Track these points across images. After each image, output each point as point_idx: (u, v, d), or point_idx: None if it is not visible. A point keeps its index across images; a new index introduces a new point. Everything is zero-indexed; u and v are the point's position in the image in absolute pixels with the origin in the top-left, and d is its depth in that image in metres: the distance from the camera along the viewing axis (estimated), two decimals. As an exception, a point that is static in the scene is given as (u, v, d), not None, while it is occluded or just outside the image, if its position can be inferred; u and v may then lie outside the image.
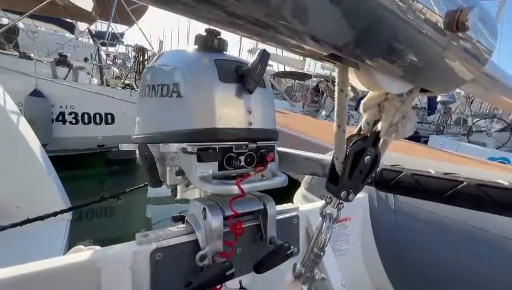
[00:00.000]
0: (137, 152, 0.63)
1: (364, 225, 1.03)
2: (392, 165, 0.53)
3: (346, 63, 0.34)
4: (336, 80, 0.37)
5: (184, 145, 0.55)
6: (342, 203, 0.53)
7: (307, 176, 1.31)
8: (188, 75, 0.56)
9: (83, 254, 0.53)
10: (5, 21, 7.22)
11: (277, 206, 0.68)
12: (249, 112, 0.58)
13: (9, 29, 5.95)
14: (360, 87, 0.38)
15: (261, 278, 0.61)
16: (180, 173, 0.60)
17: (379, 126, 0.43)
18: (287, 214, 0.76)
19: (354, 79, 0.38)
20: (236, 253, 0.62)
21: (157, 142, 0.60)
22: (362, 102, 0.43)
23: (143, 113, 0.67)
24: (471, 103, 10.65)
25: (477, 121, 9.60)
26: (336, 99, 0.38)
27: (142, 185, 1.52)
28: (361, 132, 0.47)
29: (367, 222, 1.03)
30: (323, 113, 11.44)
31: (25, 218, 1.32)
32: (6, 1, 6.25)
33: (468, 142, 7.94)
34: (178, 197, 0.72)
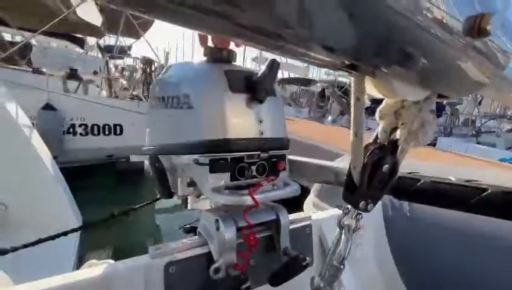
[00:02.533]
0: (146, 163, 0.63)
1: (379, 234, 1.00)
2: (409, 173, 0.51)
3: (363, 72, 0.34)
4: (352, 88, 0.37)
5: (196, 156, 0.55)
6: (360, 213, 0.52)
7: (316, 183, 1.28)
8: (198, 86, 0.57)
9: (95, 269, 0.53)
10: (18, 38, 7.52)
11: (289, 216, 0.67)
12: (260, 121, 0.58)
13: (23, 46, 6.19)
14: (376, 95, 0.37)
15: None
16: (192, 184, 0.59)
17: (397, 134, 0.42)
18: (299, 224, 0.74)
19: (369, 87, 0.37)
20: (250, 265, 0.60)
21: (168, 153, 0.60)
22: (378, 109, 0.42)
23: (154, 124, 0.67)
24: (480, 103, 10.40)
25: (485, 122, 9.35)
26: (352, 107, 0.37)
27: (151, 201, 1.53)
28: (378, 140, 0.45)
29: (381, 231, 1.00)
30: (330, 118, 11.42)
31: (36, 229, 1.35)
32: (20, 20, 6.53)
33: (477, 143, 7.71)
34: (189, 207, 0.71)
